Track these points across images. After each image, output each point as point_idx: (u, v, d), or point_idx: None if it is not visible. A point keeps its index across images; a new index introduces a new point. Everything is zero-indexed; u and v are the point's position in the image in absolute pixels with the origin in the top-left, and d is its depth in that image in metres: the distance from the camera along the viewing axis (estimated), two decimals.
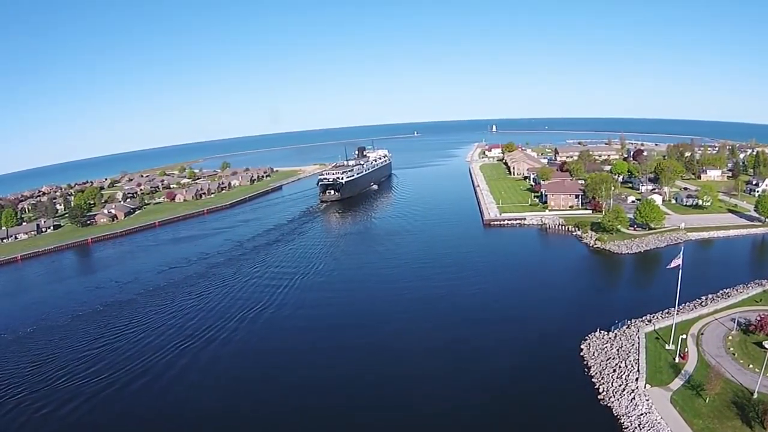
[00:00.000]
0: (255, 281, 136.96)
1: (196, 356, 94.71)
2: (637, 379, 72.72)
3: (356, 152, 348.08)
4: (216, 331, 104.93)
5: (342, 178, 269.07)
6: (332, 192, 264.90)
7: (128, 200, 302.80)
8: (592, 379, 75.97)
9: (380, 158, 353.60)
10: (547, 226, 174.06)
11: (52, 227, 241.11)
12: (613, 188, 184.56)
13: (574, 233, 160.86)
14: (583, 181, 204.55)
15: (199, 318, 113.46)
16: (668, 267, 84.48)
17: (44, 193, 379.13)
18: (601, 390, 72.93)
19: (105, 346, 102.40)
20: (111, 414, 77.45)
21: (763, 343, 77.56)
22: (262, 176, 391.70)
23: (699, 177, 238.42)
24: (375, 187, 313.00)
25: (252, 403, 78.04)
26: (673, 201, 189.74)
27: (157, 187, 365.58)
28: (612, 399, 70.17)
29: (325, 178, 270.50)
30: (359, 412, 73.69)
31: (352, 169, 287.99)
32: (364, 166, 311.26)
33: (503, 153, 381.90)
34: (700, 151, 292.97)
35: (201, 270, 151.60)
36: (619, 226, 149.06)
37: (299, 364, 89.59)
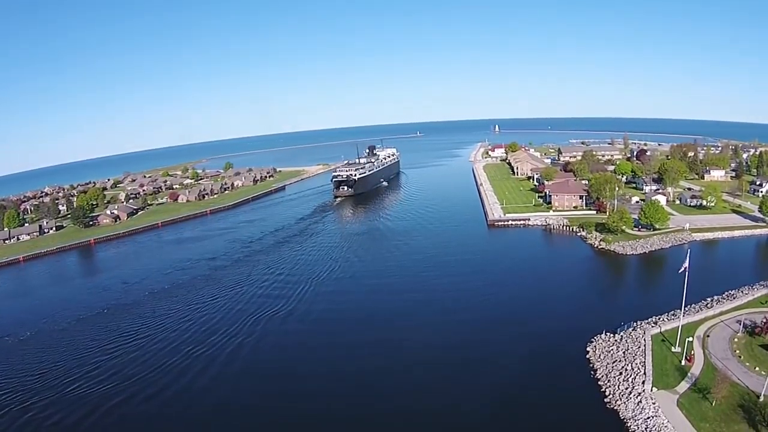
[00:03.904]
0: (263, 285, 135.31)
1: (212, 361, 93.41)
2: (643, 382, 72.39)
3: (366, 150, 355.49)
4: (231, 334, 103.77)
5: (355, 175, 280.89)
6: (346, 188, 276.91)
7: (131, 201, 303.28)
8: (599, 382, 75.72)
9: (389, 156, 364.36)
10: (552, 226, 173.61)
11: (54, 228, 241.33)
12: (617, 189, 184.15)
13: (579, 234, 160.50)
14: (587, 182, 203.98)
15: (213, 321, 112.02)
16: (679, 272, 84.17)
17: (47, 194, 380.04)
18: (607, 393, 72.72)
19: (115, 351, 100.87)
20: (123, 422, 76.29)
21: None
22: (266, 177, 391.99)
23: (702, 177, 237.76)
24: (385, 183, 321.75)
25: (265, 413, 77.06)
26: (677, 201, 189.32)
27: (160, 187, 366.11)
28: (618, 402, 69.91)
29: (339, 175, 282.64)
30: (367, 415, 73.75)
31: (364, 167, 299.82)
32: (375, 163, 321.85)
33: (506, 153, 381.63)
34: (703, 151, 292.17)
35: (207, 272, 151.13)
36: (623, 227, 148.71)
37: (310, 371, 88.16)
